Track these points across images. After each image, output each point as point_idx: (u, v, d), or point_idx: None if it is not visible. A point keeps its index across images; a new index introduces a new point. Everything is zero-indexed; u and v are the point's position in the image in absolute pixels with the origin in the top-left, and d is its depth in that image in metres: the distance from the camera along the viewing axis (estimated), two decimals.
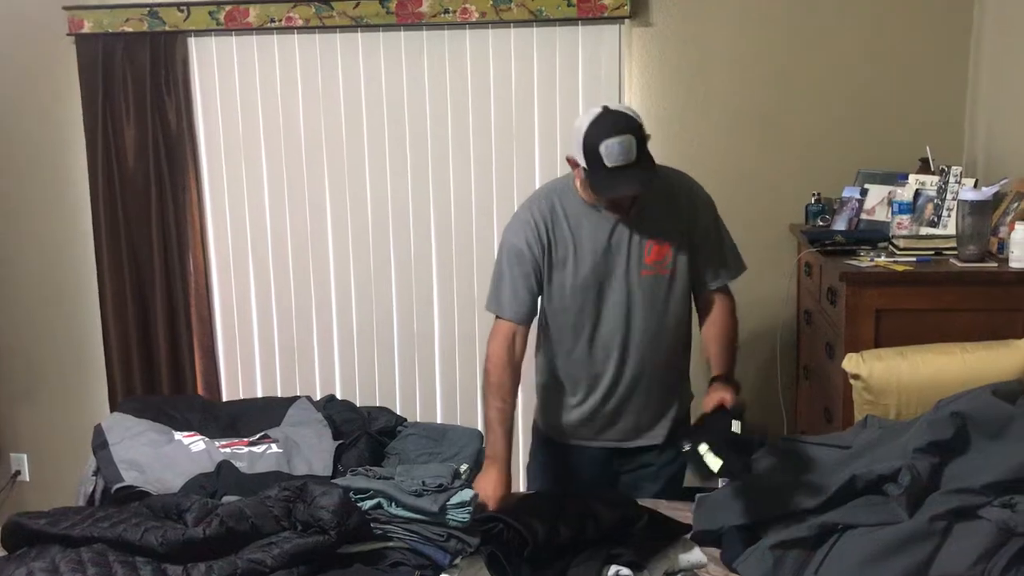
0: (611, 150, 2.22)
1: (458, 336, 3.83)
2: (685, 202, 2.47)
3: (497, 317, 2.48)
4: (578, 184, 2.44)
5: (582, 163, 2.30)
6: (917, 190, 3.11)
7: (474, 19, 3.58)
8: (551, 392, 2.60)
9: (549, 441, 2.66)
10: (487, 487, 2.33)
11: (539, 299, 2.51)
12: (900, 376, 2.45)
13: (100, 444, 2.49)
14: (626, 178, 2.26)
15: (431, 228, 3.80)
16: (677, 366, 2.60)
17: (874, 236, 3.05)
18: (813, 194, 3.41)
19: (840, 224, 3.24)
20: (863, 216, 3.24)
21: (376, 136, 3.77)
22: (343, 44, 3.71)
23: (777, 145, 3.59)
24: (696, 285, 2.53)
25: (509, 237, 2.46)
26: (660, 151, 2.87)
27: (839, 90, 3.54)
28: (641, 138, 2.27)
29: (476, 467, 2.58)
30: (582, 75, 3.61)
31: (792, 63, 3.54)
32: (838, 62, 3.52)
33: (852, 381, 2.57)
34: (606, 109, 2.30)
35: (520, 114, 3.67)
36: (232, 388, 3.98)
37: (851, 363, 2.57)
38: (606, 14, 3.52)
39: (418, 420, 3.33)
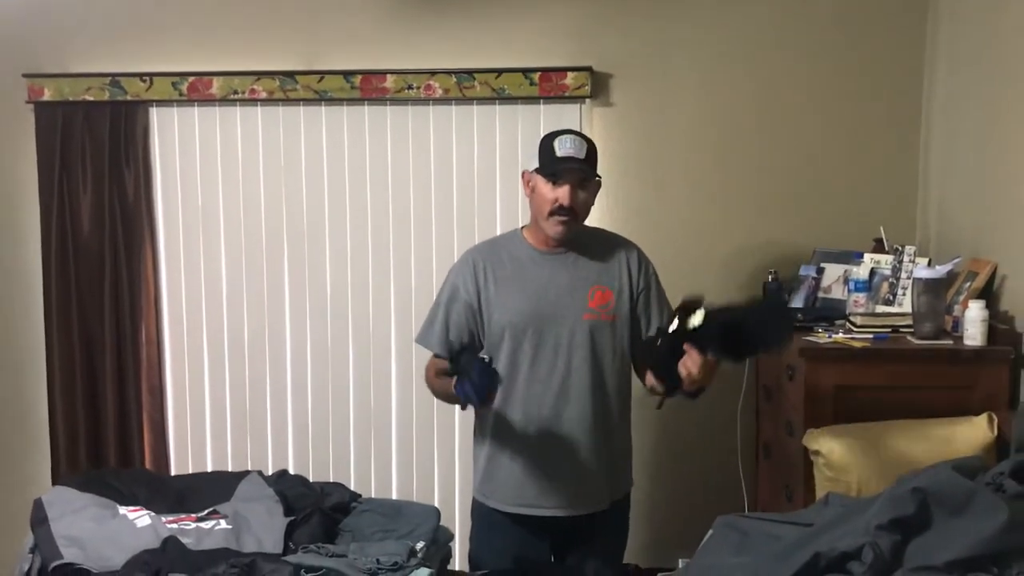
0: (563, 143, 2.46)
1: (415, 411, 3.77)
2: (628, 255, 2.59)
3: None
4: (525, 233, 2.57)
5: (535, 164, 2.48)
6: (872, 269, 3.16)
7: (437, 95, 3.62)
8: (492, 449, 2.54)
9: (490, 516, 2.59)
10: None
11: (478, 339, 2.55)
12: (861, 453, 2.44)
13: (39, 519, 2.40)
14: (571, 165, 2.45)
15: (391, 302, 3.77)
16: (620, 424, 2.58)
17: (831, 313, 3.09)
18: (770, 272, 3.44)
19: (797, 302, 3.28)
20: (820, 294, 3.28)
21: (337, 210, 3.76)
22: (306, 117, 3.72)
23: (734, 223, 3.64)
24: (635, 341, 2.57)
25: (449, 277, 2.60)
26: (619, 227, 2.91)
27: (795, 172, 3.61)
28: (592, 149, 2.51)
29: (433, 545, 2.51)
30: None
31: (749, 145, 3.62)
32: (795, 145, 3.61)
33: (813, 458, 2.56)
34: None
35: (482, 189, 3.69)
36: (181, 462, 3.86)
37: (812, 440, 2.57)
38: (567, 94, 3.58)
39: (373, 496, 3.26)
